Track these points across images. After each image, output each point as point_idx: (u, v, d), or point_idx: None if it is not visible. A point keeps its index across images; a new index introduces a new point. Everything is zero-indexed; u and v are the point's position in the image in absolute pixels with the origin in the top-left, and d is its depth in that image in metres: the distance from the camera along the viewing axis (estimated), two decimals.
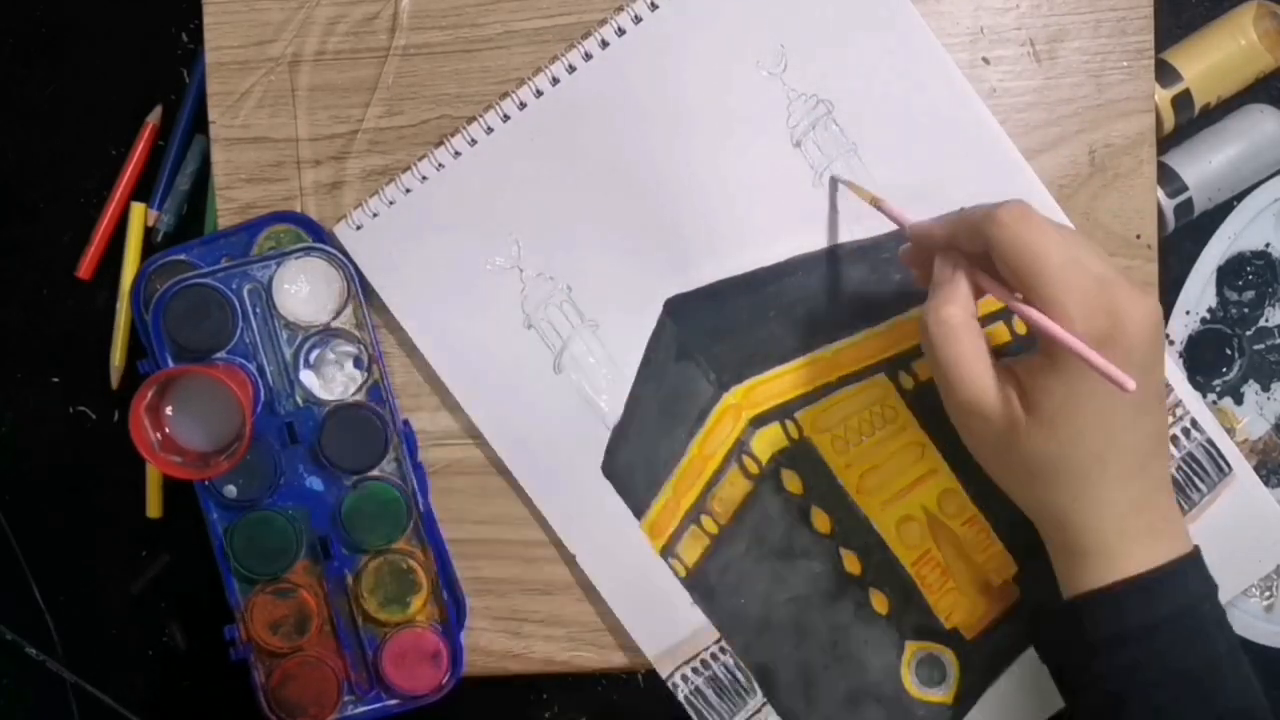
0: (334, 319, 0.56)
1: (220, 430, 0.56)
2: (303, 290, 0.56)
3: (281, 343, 0.56)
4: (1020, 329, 0.55)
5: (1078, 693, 0.49)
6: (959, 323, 0.46)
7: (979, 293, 0.48)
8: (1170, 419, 0.55)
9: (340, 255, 0.55)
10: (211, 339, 0.56)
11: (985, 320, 0.55)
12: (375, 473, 0.57)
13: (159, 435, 0.55)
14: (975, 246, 0.47)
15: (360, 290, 0.56)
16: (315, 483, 0.57)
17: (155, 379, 0.53)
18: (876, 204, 0.52)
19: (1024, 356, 0.48)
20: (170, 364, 0.55)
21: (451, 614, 0.57)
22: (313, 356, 0.56)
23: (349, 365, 0.56)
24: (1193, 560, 0.48)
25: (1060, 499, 0.47)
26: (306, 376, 0.56)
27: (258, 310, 0.56)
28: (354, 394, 0.56)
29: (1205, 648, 0.46)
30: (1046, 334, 0.44)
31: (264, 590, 0.57)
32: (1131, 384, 0.42)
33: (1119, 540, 0.47)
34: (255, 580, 0.57)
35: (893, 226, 0.55)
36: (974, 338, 0.47)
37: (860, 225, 0.55)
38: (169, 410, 0.55)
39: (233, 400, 0.54)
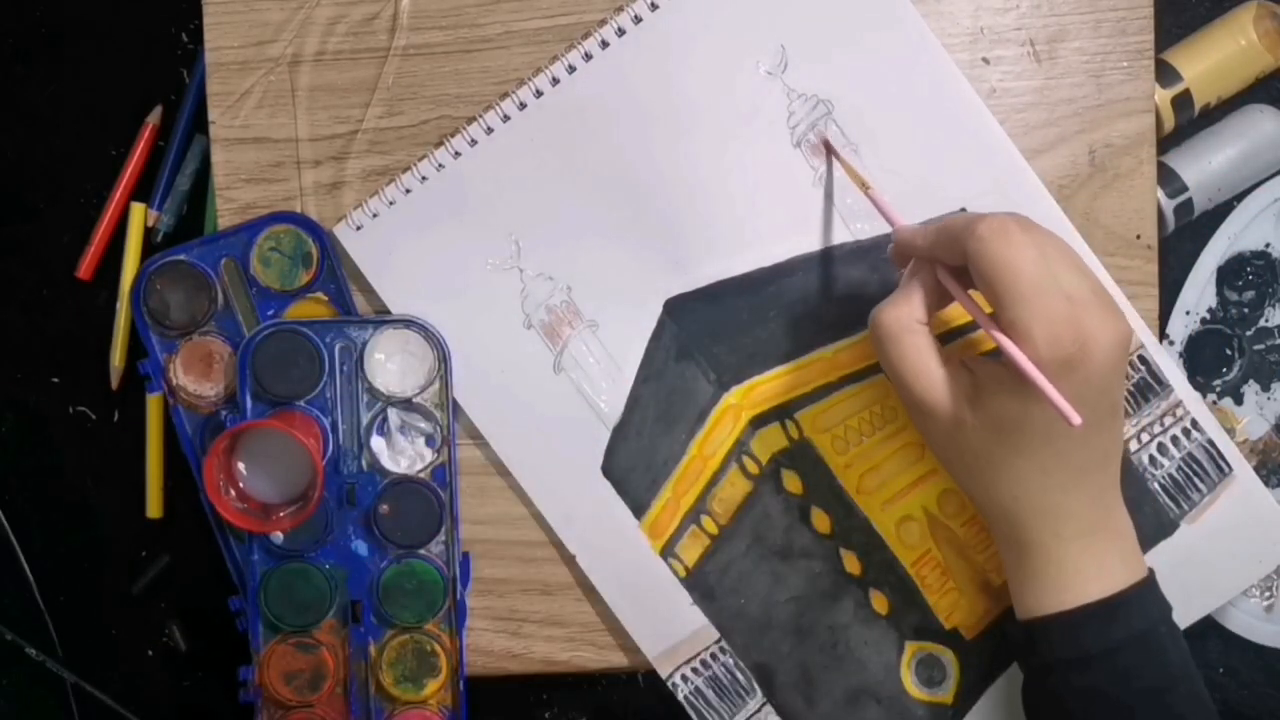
0: (418, 394, 0.56)
1: (287, 481, 0.56)
2: (395, 360, 0.56)
3: (360, 405, 0.56)
4: None
5: (1033, 709, 0.50)
6: (899, 328, 0.47)
7: (946, 302, 0.48)
8: (1170, 419, 0.55)
9: (437, 333, 0.56)
10: (294, 387, 0.56)
11: None
12: (421, 551, 0.57)
13: (223, 478, 0.55)
14: (954, 258, 0.46)
15: (449, 372, 0.56)
16: (361, 547, 0.57)
17: (233, 431, 0.54)
18: (866, 191, 0.52)
19: (988, 361, 0.48)
20: (249, 402, 0.55)
21: (463, 706, 0.57)
22: (387, 425, 0.56)
23: (420, 442, 0.56)
24: (1149, 586, 0.48)
25: (1001, 497, 0.48)
26: (377, 443, 0.56)
27: (345, 369, 0.56)
28: (420, 470, 0.56)
29: (1162, 669, 0.47)
30: (1007, 356, 0.44)
31: (286, 640, 0.57)
32: (1078, 419, 0.43)
33: (1070, 561, 0.47)
34: (280, 629, 0.57)
35: (890, 227, 0.55)
36: (915, 341, 0.47)
37: (860, 225, 0.55)
38: (240, 459, 0.56)
39: (307, 460, 0.54)
